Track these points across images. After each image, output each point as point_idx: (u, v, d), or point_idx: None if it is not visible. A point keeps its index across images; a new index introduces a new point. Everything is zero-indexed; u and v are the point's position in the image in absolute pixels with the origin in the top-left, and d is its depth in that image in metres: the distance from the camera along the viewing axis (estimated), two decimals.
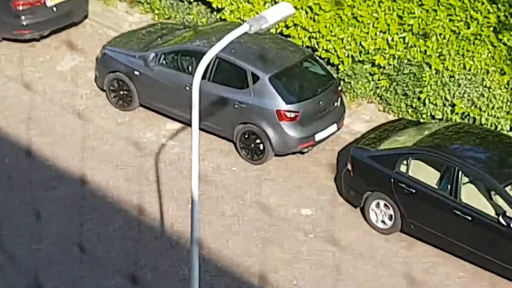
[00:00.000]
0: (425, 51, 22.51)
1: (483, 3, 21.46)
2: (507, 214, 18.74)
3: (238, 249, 19.76)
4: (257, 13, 22.10)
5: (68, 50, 25.67)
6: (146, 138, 22.85)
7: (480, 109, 21.75)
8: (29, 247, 19.32)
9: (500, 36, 21.35)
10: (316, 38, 23.59)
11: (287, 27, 23.63)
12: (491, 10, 21.49)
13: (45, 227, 19.80)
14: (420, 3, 22.45)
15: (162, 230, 19.90)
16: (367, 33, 22.88)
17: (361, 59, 23.22)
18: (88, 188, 21.33)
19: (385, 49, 22.86)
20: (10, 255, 18.71)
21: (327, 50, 23.44)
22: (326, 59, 23.40)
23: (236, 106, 22.14)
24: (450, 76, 22.04)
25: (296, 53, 22.95)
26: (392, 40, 22.76)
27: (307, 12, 23.49)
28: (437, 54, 22.16)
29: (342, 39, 23.23)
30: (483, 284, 19.24)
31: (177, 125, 22.80)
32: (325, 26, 23.47)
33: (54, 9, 24.96)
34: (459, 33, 21.70)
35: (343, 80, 23.33)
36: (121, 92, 23.52)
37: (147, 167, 22.21)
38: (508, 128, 21.55)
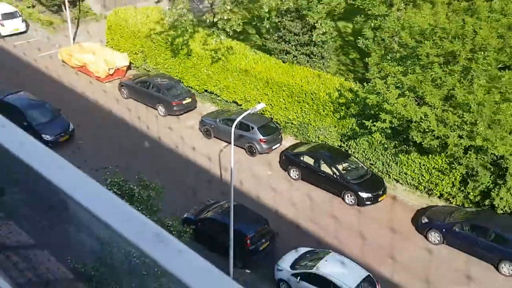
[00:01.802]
0: (308, 118, 23.89)
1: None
2: (339, 172, 21.04)
3: (247, 191, 21.24)
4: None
5: (190, 117, 26.03)
6: (214, 151, 23.57)
7: (324, 140, 23.36)
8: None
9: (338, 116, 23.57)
10: (271, 114, 24.75)
11: (263, 110, 23.77)
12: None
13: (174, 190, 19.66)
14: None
15: (221, 190, 20.32)
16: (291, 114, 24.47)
17: (289, 121, 24.43)
18: (187, 175, 21.71)
19: (295, 118, 24.24)
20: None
21: (276, 120, 24.77)
22: (276, 121, 24.69)
23: (245, 137, 23.34)
24: (316, 128, 23.68)
25: (266, 119, 24.27)
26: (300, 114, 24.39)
27: (271, 106, 24.52)
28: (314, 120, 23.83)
29: (284, 116, 24.70)
30: (335, 198, 21.36)
31: (224, 144, 23.37)
32: (277, 109, 24.66)
33: (185, 104, 25.75)
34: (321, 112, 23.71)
35: (281, 128, 24.50)
36: (207, 133, 24.42)
37: (215, 162, 22.88)
38: (339, 145, 23.33)
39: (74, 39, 30.59)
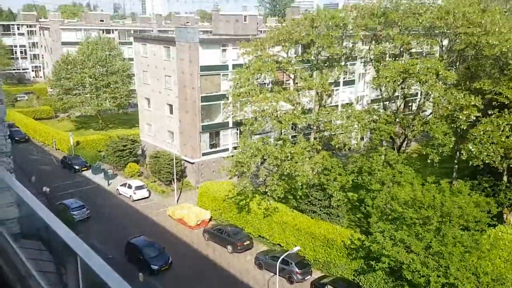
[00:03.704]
0: (329, 257, 22.94)
1: None
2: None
3: None
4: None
5: (248, 253, 24.79)
6: (265, 279, 22.14)
7: (342, 274, 21.96)
8: None
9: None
10: (304, 254, 23.53)
11: (298, 251, 22.63)
12: None
13: None
14: None
15: None
16: None
17: (316, 260, 23.10)
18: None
19: (320, 257, 22.96)
20: None
21: (307, 258, 23.27)
22: (307, 259, 23.16)
23: (286, 269, 21.69)
24: (335, 265, 22.46)
25: (301, 257, 22.41)
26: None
27: (304, 248, 23.47)
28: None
29: (312, 256, 23.47)
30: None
31: (271, 274, 22.03)
32: (308, 250, 23.51)
33: (245, 245, 24.70)
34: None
35: (311, 264, 23.00)
36: (260, 265, 23.00)
37: (265, 287, 21.90)
38: (352, 279, 21.71)
39: (177, 201, 31.32)
